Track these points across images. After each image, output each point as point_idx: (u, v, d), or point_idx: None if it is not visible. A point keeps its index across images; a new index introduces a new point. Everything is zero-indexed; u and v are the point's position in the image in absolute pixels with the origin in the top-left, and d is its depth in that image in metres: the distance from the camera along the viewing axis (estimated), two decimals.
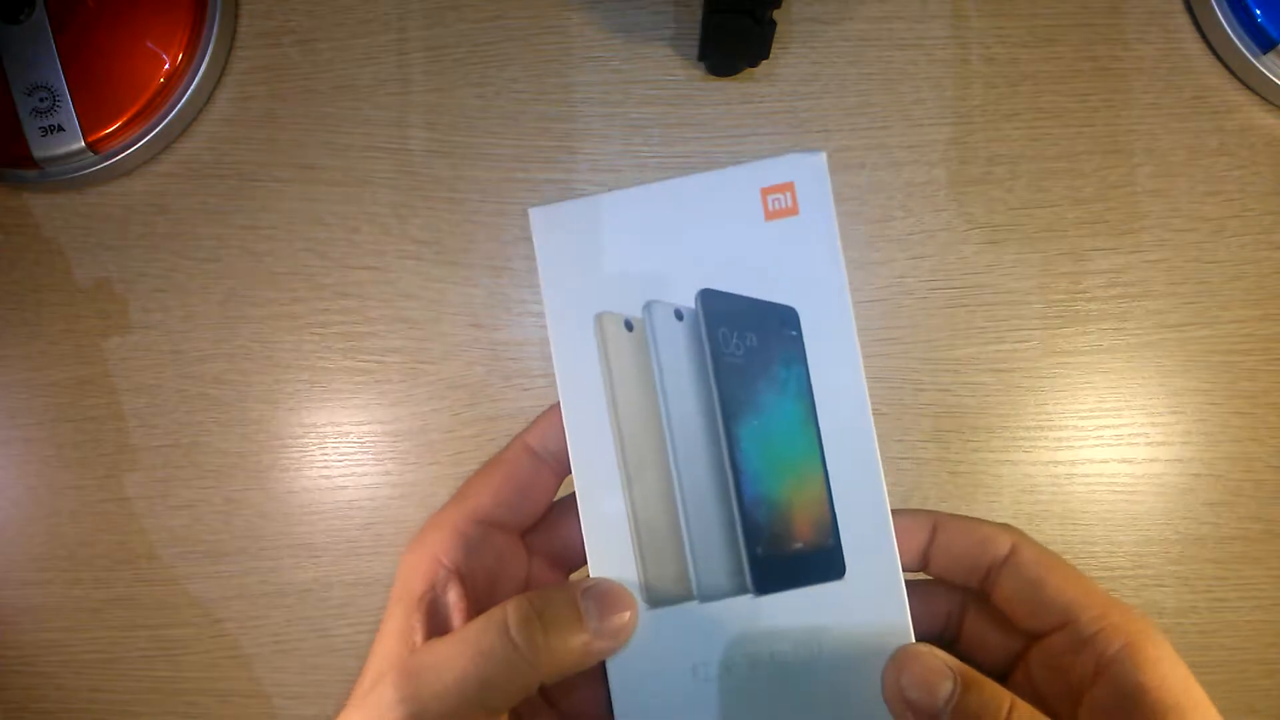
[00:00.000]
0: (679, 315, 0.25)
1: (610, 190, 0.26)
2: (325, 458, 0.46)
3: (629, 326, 0.25)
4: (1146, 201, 0.46)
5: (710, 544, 0.25)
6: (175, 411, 0.46)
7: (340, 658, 0.45)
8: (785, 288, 0.25)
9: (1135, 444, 0.45)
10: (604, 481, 0.25)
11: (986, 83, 0.46)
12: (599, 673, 0.25)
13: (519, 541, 0.28)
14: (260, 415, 0.46)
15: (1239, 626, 0.45)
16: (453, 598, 0.25)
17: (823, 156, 0.26)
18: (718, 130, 0.46)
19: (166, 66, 0.45)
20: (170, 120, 0.45)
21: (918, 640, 0.25)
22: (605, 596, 0.24)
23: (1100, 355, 0.45)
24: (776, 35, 0.43)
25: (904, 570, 0.25)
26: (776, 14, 0.42)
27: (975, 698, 0.23)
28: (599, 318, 0.25)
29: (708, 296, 0.25)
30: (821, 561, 0.25)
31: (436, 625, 0.25)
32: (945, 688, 0.23)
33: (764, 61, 0.46)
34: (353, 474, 0.45)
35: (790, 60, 0.46)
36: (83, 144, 0.44)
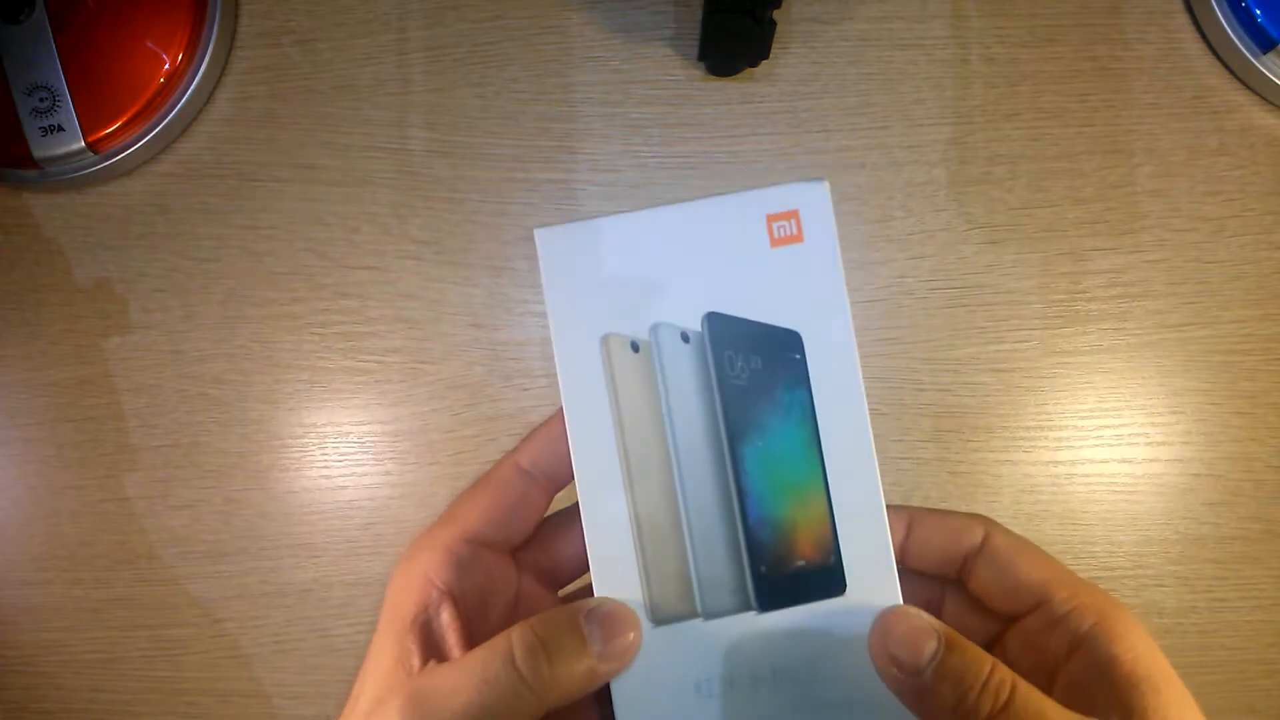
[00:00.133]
0: (685, 338, 0.26)
1: (616, 213, 0.26)
2: (325, 458, 0.46)
3: (635, 348, 0.26)
4: (1146, 201, 0.46)
5: (714, 563, 0.26)
6: (175, 411, 0.46)
7: (340, 658, 0.45)
8: (789, 312, 0.26)
9: (1135, 444, 0.45)
10: (609, 501, 0.26)
11: (986, 83, 0.46)
12: (601, 693, 0.25)
13: (508, 558, 0.28)
14: (260, 415, 0.46)
15: (1239, 626, 0.45)
16: (446, 619, 0.25)
17: (826, 185, 0.26)
18: (718, 130, 0.46)
19: (166, 66, 0.45)
20: (170, 120, 0.45)
21: None
22: (609, 618, 0.25)
23: (1100, 355, 0.45)
24: (776, 35, 0.43)
25: None
26: (776, 14, 0.42)
27: (958, 658, 0.23)
28: (605, 339, 0.26)
29: (713, 320, 0.26)
30: (823, 579, 0.26)
31: (431, 648, 0.25)
32: (930, 647, 0.23)
33: (764, 61, 0.46)
34: (353, 474, 0.45)
35: (790, 60, 0.46)
36: (83, 144, 0.44)
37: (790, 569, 0.25)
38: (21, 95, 0.44)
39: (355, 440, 0.46)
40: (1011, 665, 0.26)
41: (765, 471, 0.26)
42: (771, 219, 0.26)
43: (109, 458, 0.46)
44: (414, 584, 0.26)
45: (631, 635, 0.25)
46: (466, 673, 0.23)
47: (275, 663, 0.45)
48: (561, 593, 0.30)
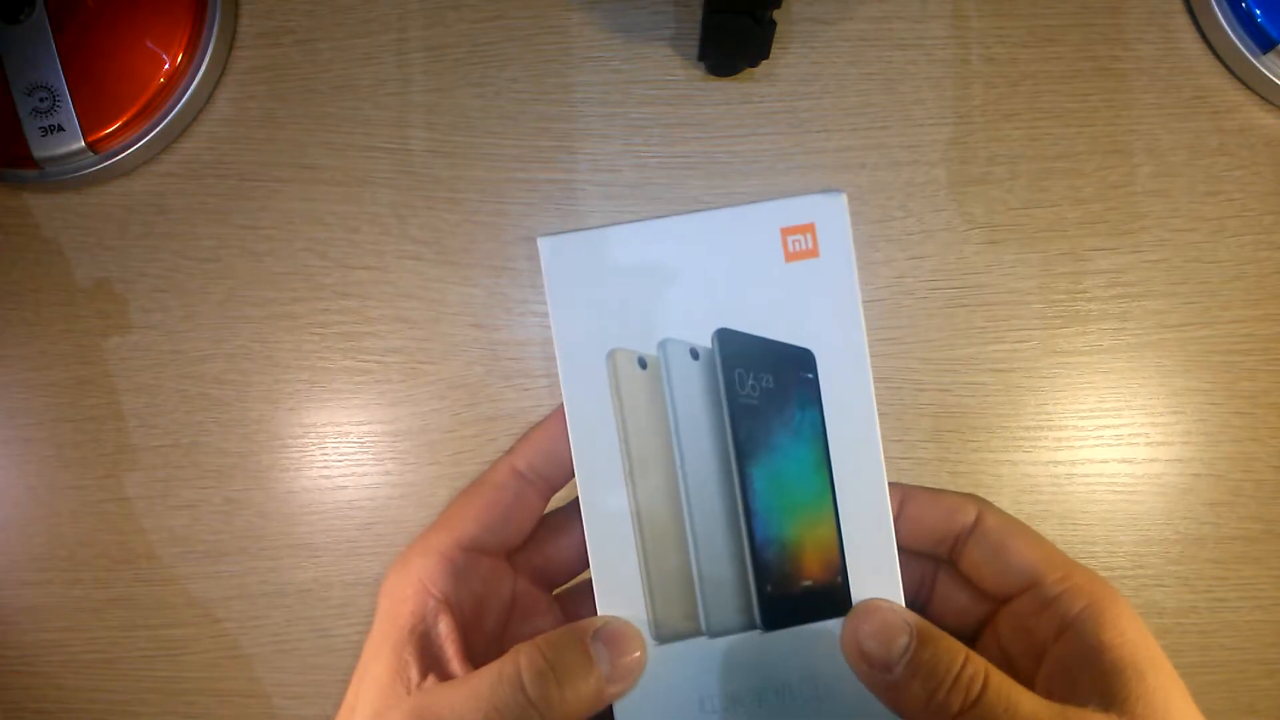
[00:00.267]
0: (694, 354, 0.25)
1: (625, 222, 0.25)
2: (325, 458, 0.46)
3: (642, 364, 0.25)
4: (1146, 201, 0.46)
5: (719, 582, 0.25)
6: (175, 411, 0.46)
7: (340, 658, 0.45)
8: (802, 330, 0.25)
9: (1135, 444, 0.45)
10: (614, 518, 0.25)
11: (986, 83, 0.46)
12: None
13: (504, 562, 0.28)
14: (260, 415, 0.46)
15: (1239, 626, 0.45)
16: (443, 629, 0.25)
17: (843, 198, 0.25)
18: (718, 130, 0.46)
19: (166, 66, 0.45)
20: (170, 120, 0.45)
21: None
22: (615, 637, 0.24)
23: (1100, 355, 0.45)
24: (776, 35, 0.43)
25: None
26: (776, 14, 0.42)
27: (930, 651, 0.23)
28: (612, 354, 0.25)
29: (724, 336, 0.25)
30: (829, 599, 0.25)
31: (429, 660, 0.24)
32: (901, 641, 0.23)
33: (764, 61, 0.46)
34: (353, 474, 0.45)
35: (790, 60, 0.46)
36: (83, 144, 0.44)
37: (796, 589, 0.25)
38: (21, 95, 0.44)
39: (355, 440, 0.46)
40: (1002, 647, 0.26)
41: (773, 492, 0.25)
42: (786, 232, 0.25)
43: (109, 458, 0.46)
44: (409, 592, 0.25)
45: (637, 654, 0.24)
46: (474, 698, 0.23)
47: (275, 663, 0.45)
48: (556, 592, 0.30)
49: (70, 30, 0.44)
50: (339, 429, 0.46)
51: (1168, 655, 0.24)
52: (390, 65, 0.47)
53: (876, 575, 0.25)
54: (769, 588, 0.25)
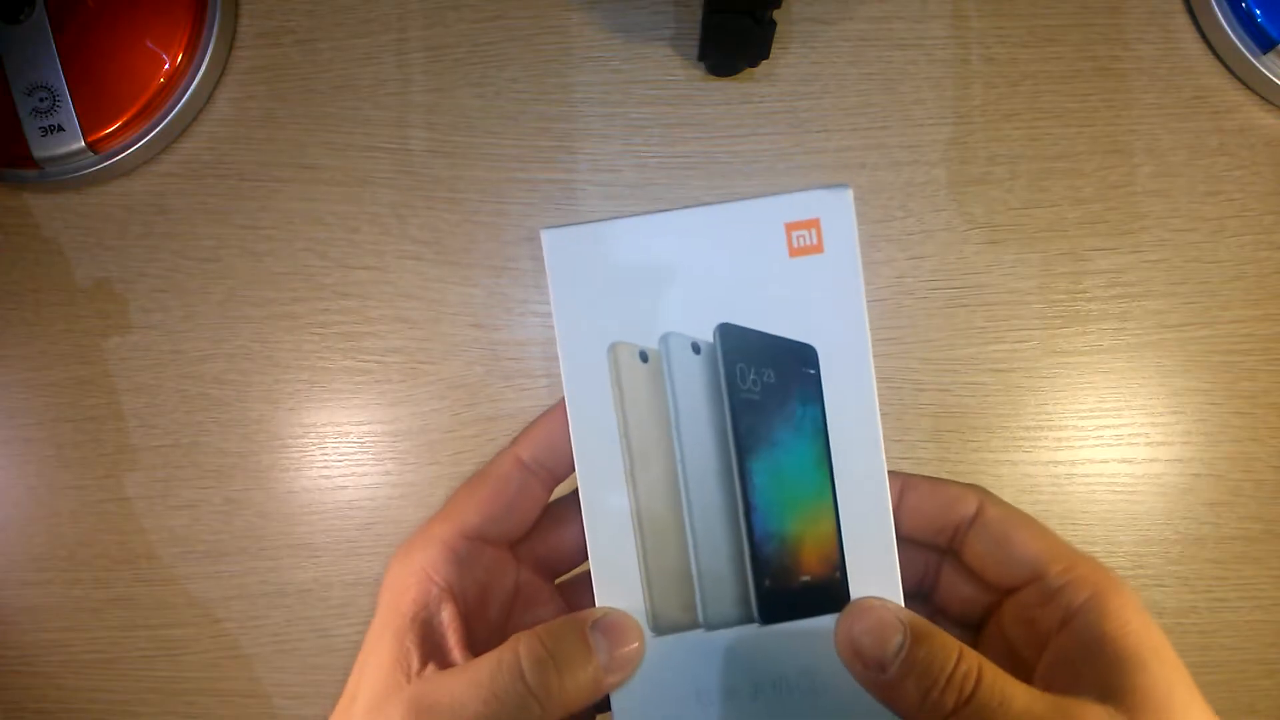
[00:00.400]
0: (696, 349, 0.25)
1: (628, 215, 0.25)
2: (325, 458, 0.46)
3: (644, 358, 0.25)
4: (1146, 201, 0.46)
5: (718, 576, 0.25)
6: (175, 411, 0.46)
7: (340, 658, 0.45)
8: (805, 325, 0.25)
9: (1135, 444, 0.45)
10: (613, 510, 0.25)
11: (986, 83, 0.46)
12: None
13: (507, 552, 0.28)
14: (260, 415, 0.46)
15: (1239, 626, 0.45)
16: (445, 618, 0.25)
17: (849, 193, 0.25)
18: (718, 130, 0.46)
19: (166, 66, 0.45)
20: (170, 120, 0.45)
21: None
22: (614, 628, 0.24)
23: (1100, 355, 0.45)
24: (776, 35, 0.43)
25: None
26: (776, 14, 0.42)
27: (924, 650, 0.23)
28: (613, 348, 0.25)
29: (726, 331, 0.25)
30: (827, 594, 0.25)
31: (431, 648, 0.24)
32: (895, 640, 0.23)
33: (764, 61, 0.46)
34: (353, 474, 0.45)
35: (790, 60, 0.46)
36: (83, 144, 0.44)
37: (794, 584, 0.25)
38: (21, 95, 0.44)
39: (355, 440, 0.46)
40: (1006, 637, 0.26)
41: (773, 487, 0.25)
42: (791, 227, 0.25)
43: (109, 458, 0.46)
44: (412, 581, 0.25)
45: (635, 645, 0.25)
46: (473, 685, 0.23)
47: (275, 663, 0.45)
48: (558, 582, 0.30)
49: (70, 30, 0.44)
50: (339, 429, 0.46)
51: None
52: (390, 65, 0.47)
53: (875, 571, 0.25)
54: (767, 582, 0.25)
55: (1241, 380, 0.45)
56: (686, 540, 0.25)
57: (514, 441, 0.27)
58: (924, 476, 0.27)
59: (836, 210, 0.25)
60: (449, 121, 0.46)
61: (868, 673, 0.24)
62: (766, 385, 0.25)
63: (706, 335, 0.25)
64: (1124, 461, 0.45)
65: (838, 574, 0.25)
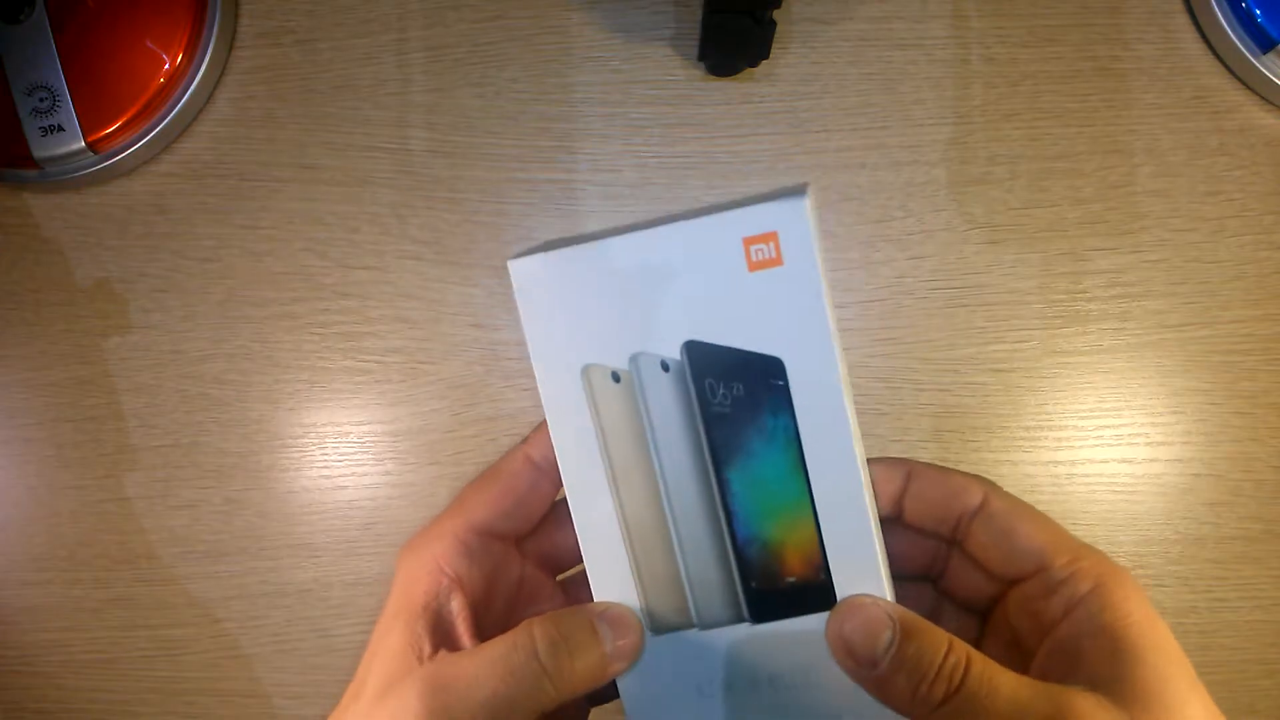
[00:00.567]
0: (665, 366, 0.26)
1: (590, 240, 0.26)
2: (325, 458, 0.46)
3: (616, 378, 0.26)
4: (1146, 201, 0.46)
5: (707, 579, 0.26)
6: (175, 411, 0.46)
7: (340, 658, 0.45)
8: (770, 337, 0.25)
9: (1135, 444, 0.45)
10: (602, 521, 0.26)
11: (986, 83, 0.46)
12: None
13: (514, 547, 0.29)
14: (260, 415, 0.46)
15: (1239, 626, 0.45)
16: (455, 607, 0.26)
17: (804, 203, 0.24)
18: (718, 130, 0.46)
19: (166, 66, 0.45)
20: (170, 120, 0.45)
21: (907, 585, 0.26)
22: (617, 620, 0.26)
23: (1100, 355, 0.45)
24: (776, 35, 0.43)
25: (881, 517, 0.26)
26: (776, 14, 0.42)
27: (914, 645, 0.24)
28: (586, 370, 0.26)
29: (693, 348, 0.25)
30: (814, 593, 0.26)
31: (441, 635, 0.25)
32: (885, 637, 0.24)
33: (764, 61, 0.46)
34: (353, 474, 0.45)
35: (790, 60, 0.46)
36: (83, 144, 0.44)
37: (781, 585, 0.26)
38: (21, 95, 0.44)
39: (355, 440, 0.46)
40: (1011, 627, 0.27)
41: (751, 494, 0.26)
42: (749, 242, 0.25)
43: (109, 458, 0.46)
44: (424, 572, 0.26)
45: (636, 637, 0.26)
46: (489, 663, 0.24)
47: (275, 663, 0.45)
48: (560, 578, 0.31)
49: (70, 30, 0.44)
50: (339, 429, 0.46)
51: None
52: (390, 65, 0.47)
53: (859, 571, 0.26)
54: (754, 584, 0.26)
55: (1241, 380, 0.45)
56: (673, 548, 0.26)
57: (525, 440, 0.28)
58: (930, 464, 0.28)
59: (792, 222, 0.25)
60: (449, 121, 0.46)
61: (859, 669, 0.24)
62: (736, 399, 0.25)
63: (676, 353, 0.25)
64: (1124, 461, 0.45)
65: (822, 575, 0.26)
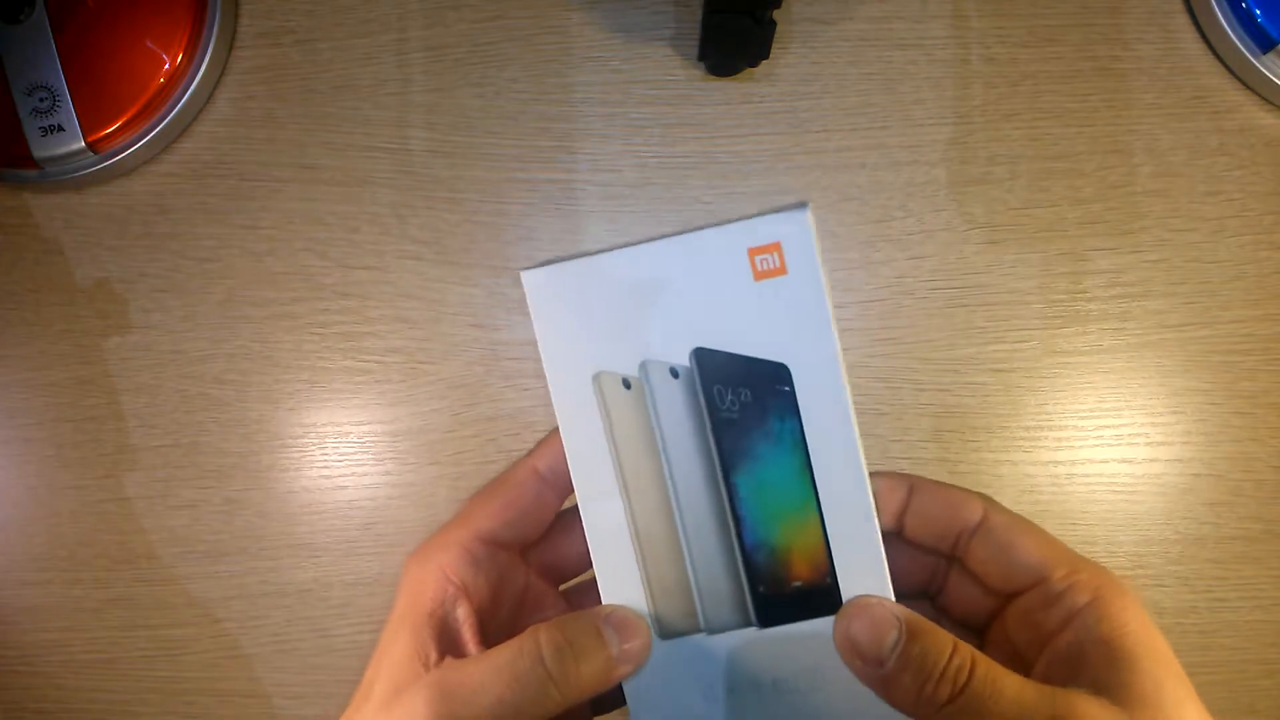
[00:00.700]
0: (674, 373, 0.26)
1: (601, 251, 0.26)
2: (325, 458, 0.46)
3: (627, 385, 0.26)
4: (1146, 201, 0.46)
5: (715, 583, 0.26)
6: (175, 411, 0.46)
7: (340, 658, 0.45)
8: (777, 344, 0.26)
9: (1135, 444, 0.45)
10: (613, 527, 0.26)
11: (986, 83, 0.46)
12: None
13: (519, 557, 0.29)
14: (260, 415, 0.46)
15: (1239, 626, 0.45)
16: (461, 615, 0.26)
17: (806, 215, 0.26)
18: (718, 130, 0.46)
19: (166, 66, 0.45)
20: (170, 120, 0.45)
21: (905, 603, 0.26)
22: (623, 624, 0.26)
23: (1100, 355, 0.45)
24: (776, 35, 0.43)
25: (882, 532, 0.27)
26: (776, 14, 0.42)
27: (919, 645, 0.24)
28: (597, 378, 0.26)
29: (702, 355, 0.26)
30: (820, 597, 0.26)
31: (447, 642, 0.26)
32: (891, 636, 0.24)
33: (764, 61, 0.46)
34: (353, 474, 0.45)
35: (790, 60, 0.46)
36: (83, 144, 0.44)
37: (788, 589, 0.26)
38: (21, 95, 0.44)
39: (355, 440, 0.46)
40: (1010, 640, 0.27)
41: (759, 499, 0.26)
42: (754, 252, 0.26)
43: (109, 458, 0.46)
44: (430, 580, 0.26)
45: (642, 640, 0.26)
46: (495, 669, 0.24)
47: (275, 663, 0.45)
48: (563, 588, 0.31)
49: (70, 30, 0.44)
50: (339, 429, 0.46)
51: None
52: (390, 65, 0.47)
53: (864, 573, 0.26)
54: (762, 589, 0.26)
55: (1241, 380, 0.45)
56: (682, 553, 0.26)
57: (531, 452, 0.28)
58: (930, 480, 0.28)
59: (795, 233, 0.26)
60: (449, 121, 0.46)
61: (866, 668, 0.25)
62: (744, 404, 0.26)
63: (684, 360, 0.26)
64: (1124, 461, 0.45)
65: (829, 579, 0.26)
